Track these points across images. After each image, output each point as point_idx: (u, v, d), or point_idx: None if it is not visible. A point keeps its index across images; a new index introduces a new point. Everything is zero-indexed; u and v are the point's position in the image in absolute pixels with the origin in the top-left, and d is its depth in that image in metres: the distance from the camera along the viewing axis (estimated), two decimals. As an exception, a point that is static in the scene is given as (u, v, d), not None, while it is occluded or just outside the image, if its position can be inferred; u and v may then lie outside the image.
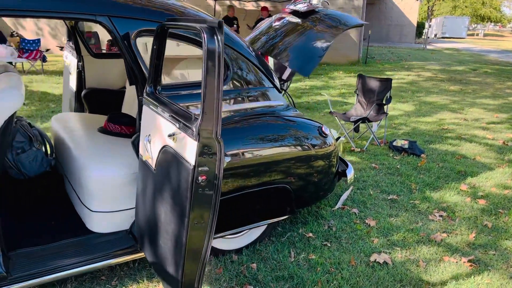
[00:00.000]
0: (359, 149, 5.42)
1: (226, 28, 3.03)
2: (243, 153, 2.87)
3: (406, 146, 5.37)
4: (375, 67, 14.29)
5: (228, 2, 14.37)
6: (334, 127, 5.93)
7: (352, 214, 3.74)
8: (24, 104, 7.18)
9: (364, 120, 5.35)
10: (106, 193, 2.67)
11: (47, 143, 3.57)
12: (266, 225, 3.21)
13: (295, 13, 3.89)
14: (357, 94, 5.86)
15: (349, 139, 5.59)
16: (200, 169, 1.93)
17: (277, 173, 3.01)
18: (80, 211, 2.90)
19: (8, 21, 14.89)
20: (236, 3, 14.67)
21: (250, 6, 14.72)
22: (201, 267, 2.10)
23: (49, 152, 3.62)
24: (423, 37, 29.97)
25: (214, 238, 2.97)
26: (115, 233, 2.74)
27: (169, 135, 2.08)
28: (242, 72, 3.02)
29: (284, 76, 7.53)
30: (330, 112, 5.65)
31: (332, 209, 3.82)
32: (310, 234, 3.38)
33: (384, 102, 5.59)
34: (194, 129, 1.91)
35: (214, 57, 1.81)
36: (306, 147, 3.17)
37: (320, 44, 3.49)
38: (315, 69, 12.82)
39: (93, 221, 2.73)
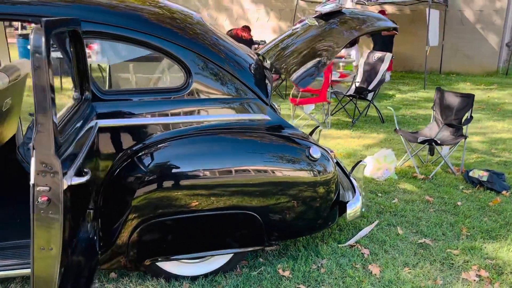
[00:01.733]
0: (422, 176, 4.55)
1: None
2: (196, 171, 2.55)
3: (485, 179, 4.34)
4: (518, 79, 12.17)
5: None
6: (400, 149, 5.09)
7: (358, 255, 3.10)
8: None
9: (431, 142, 4.47)
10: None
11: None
12: (231, 254, 2.82)
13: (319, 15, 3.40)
14: (434, 111, 4.94)
15: (414, 163, 4.74)
16: (38, 188, 1.70)
17: (241, 198, 2.61)
18: None
19: None
20: (359, 7, 13.89)
21: (374, 9, 13.81)
22: None
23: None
24: None
25: (167, 261, 2.70)
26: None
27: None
28: (210, 81, 2.68)
29: (371, 86, 6.83)
30: (395, 130, 4.87)
31: (340, 245, 3.22)
32: (287, 273, 2.87)
33: (462, 122, 4.61)
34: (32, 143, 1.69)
35: (39, 60, 1.57)
36: (283, 171, 2.70)
37: (325, 52, 2.97)
38: (432, 79, 11.45)
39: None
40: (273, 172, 2.68)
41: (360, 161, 3.21)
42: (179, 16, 2.77)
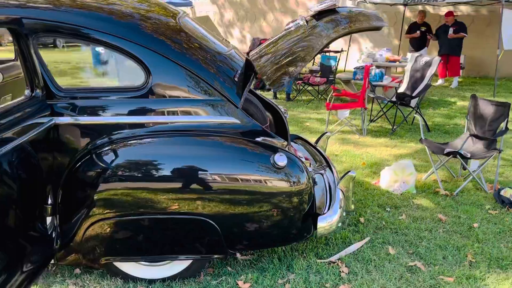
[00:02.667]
0: (446, 192, 4.11)
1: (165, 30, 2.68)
2: (150, 172, 2.51)
3: (516, 199, 3.82)
4: None
5: (420, 7, 12.91)
6: (435, 160, 4.63)
7: (334, 273, 2.85)
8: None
9: (456, 155, 4.03)
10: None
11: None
12: (190, 261, 2.73)
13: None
14: (468, 120, 4.45)
15: (438, 177, 4.30)
16: None
17: (196, 203, 2.53)
18: None
19: None
20: (429, 8, 13.06)
21: (446, 10, 12.90)
22: None
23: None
24: None
25: (121, 261, 2.69)
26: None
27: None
28: (171, 80, 2.61)
29: (415, 92, 6.36)
30: (420, 140, 4.46)
31: (319, 260, 2.99)
32: (247, 285, 2.72)
33: (495, 134, 4.09)
34: None
35: None
36: (243, 178, 2.56)
37: (301, 56, 2.80)
38: (509, 86, 10.35)
39: None
40: (232, 179, 2.55)
41: (349, 171, 2.96)
42: (147, 13, 2.74)
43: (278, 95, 8.93)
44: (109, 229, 2.54)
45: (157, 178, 2.50)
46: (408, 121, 6.70)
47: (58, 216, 2.59)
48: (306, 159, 3.10)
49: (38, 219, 2.50)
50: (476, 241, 3.26)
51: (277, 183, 2.61)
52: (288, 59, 2.78)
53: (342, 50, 9.63)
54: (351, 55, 11.91)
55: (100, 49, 2.54)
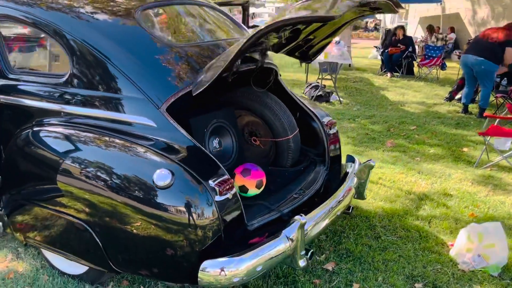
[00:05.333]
0: None
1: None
2: (43, 162, 2.41)
3: None
4: None
5: None
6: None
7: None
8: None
9: None
10: None
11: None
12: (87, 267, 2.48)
13: None
14: None
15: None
16: None
17: (74, 202, 2.29)
18: None
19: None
20: None
21: None
22: None
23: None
24: None
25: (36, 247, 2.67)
26: None
27: None
28: (86, 71, 2.40)
29: None
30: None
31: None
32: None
33: None
34: None
35: None
36: (121, 188, 2.16)
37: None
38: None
39: None
40: (111, 187, 2.17)
41: (369, 160, 2.70)
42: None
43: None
44: (17, 210, 2.55)
45: (47, 168, 2.36)
46: None
47: None
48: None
49: None
50: None
51: (154, 206, 2.08)
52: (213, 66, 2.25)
53: None
54: None
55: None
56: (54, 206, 2.34)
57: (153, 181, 2.06)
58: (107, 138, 2.28)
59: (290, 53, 3.00)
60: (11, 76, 2.64)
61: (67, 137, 2.36)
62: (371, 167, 2.94)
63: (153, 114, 2.27)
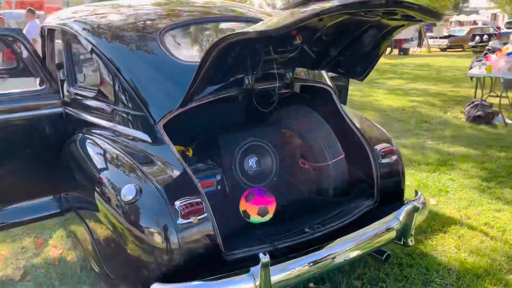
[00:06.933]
0: None
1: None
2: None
3: None
4: None
5: None
6: None
7: None
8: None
9: None
10: None
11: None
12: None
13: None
14: None
15: None
16: None
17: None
18: None
19: None
20: None
21: None
22: None
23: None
24: None
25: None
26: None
27: None
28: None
29: None
30: None
31: None
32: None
33: None
34: None
35: None
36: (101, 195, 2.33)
37: None
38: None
39: None
40: (97, 190, 2.36)
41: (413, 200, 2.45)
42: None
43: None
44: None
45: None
46: None
47: None
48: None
49: None
50: None
51: (122, 218, 2.15)
52: None
53: None
54: None
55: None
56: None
57: (121, 194, 2.11)
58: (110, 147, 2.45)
59: (333, 69, 2.67)
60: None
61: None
62: (416, 209, 2.40)
63: (148, 129, 2.34)
